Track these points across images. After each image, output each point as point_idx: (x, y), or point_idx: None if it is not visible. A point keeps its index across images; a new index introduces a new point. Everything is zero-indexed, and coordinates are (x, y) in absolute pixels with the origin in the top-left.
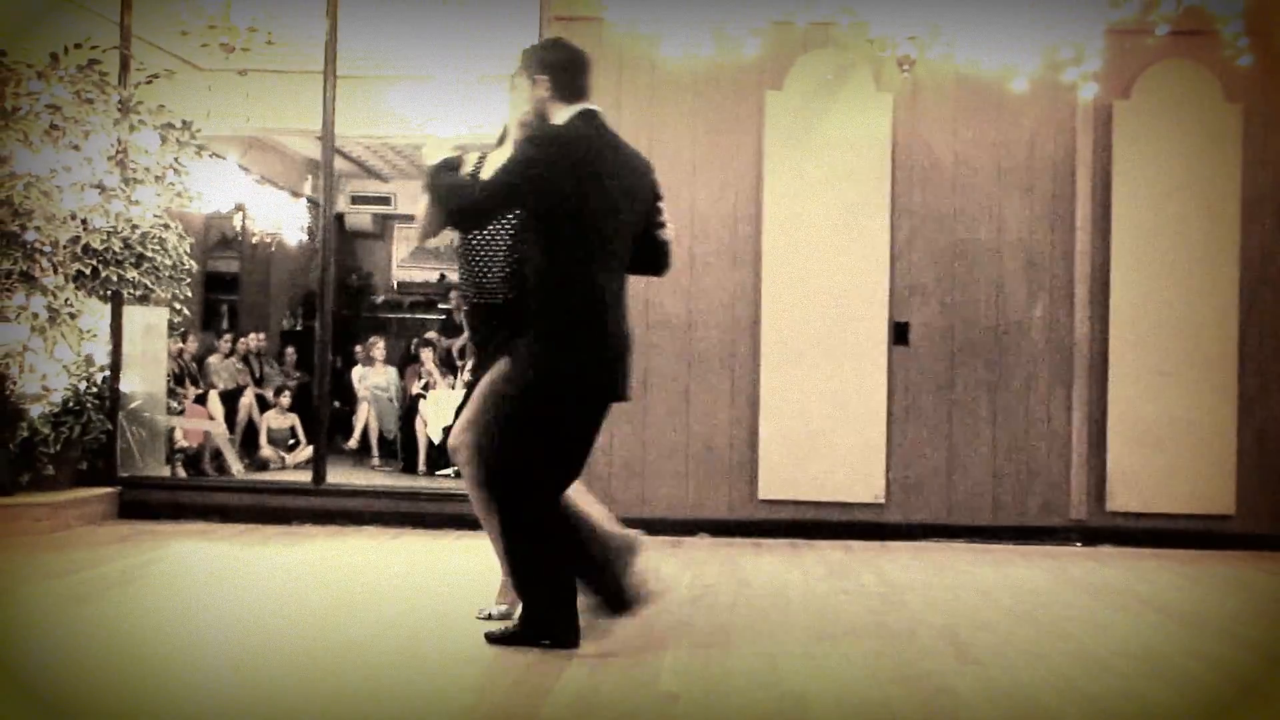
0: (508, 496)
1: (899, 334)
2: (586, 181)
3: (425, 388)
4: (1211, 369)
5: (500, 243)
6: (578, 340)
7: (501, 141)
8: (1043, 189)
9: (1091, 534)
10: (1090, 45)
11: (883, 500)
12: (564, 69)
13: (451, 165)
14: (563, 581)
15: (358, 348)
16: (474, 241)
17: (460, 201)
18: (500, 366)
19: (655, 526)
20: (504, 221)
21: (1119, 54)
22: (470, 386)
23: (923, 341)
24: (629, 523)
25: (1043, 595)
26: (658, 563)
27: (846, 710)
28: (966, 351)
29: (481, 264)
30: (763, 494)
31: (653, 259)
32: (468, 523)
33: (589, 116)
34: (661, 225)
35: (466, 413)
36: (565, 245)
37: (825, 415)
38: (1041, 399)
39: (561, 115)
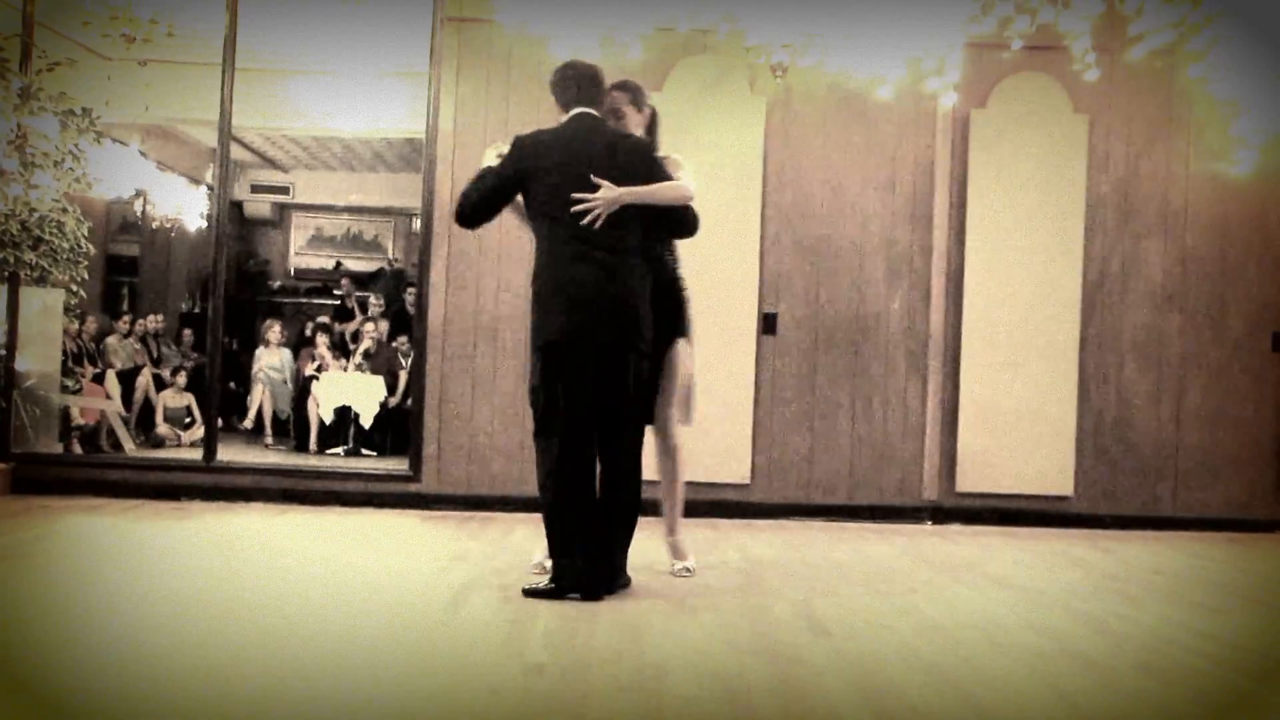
0: None
1: (768, 324)
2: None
3: (318, 369)
4: (1054, 360)
5: None
6: None
7: None
8: (904, 190)
9: (942, 513)
10: (951, 57)
11: (748, 481)
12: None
13: None
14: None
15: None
16: None
17: None
18: None
19: (533, 504)
20: None
21: (977, 66)
22: None
23: (789, 331)
24: (509, 502)
25: (894, 571)
26: (532, 543)
27: (703, 680)
28: (830, 341)
29: None
30: None
31: None
32: (351, 500)
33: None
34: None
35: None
36: None
37: (698, 400)
38: (898, 386)
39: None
